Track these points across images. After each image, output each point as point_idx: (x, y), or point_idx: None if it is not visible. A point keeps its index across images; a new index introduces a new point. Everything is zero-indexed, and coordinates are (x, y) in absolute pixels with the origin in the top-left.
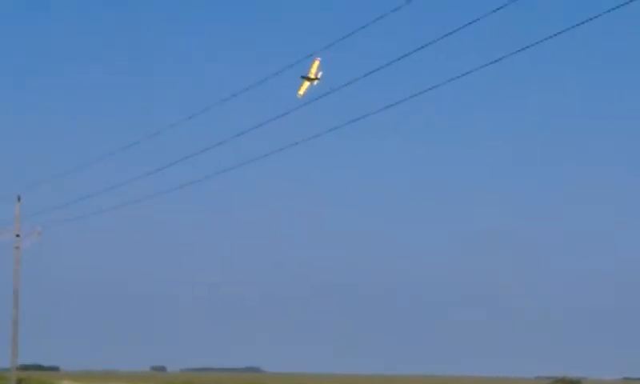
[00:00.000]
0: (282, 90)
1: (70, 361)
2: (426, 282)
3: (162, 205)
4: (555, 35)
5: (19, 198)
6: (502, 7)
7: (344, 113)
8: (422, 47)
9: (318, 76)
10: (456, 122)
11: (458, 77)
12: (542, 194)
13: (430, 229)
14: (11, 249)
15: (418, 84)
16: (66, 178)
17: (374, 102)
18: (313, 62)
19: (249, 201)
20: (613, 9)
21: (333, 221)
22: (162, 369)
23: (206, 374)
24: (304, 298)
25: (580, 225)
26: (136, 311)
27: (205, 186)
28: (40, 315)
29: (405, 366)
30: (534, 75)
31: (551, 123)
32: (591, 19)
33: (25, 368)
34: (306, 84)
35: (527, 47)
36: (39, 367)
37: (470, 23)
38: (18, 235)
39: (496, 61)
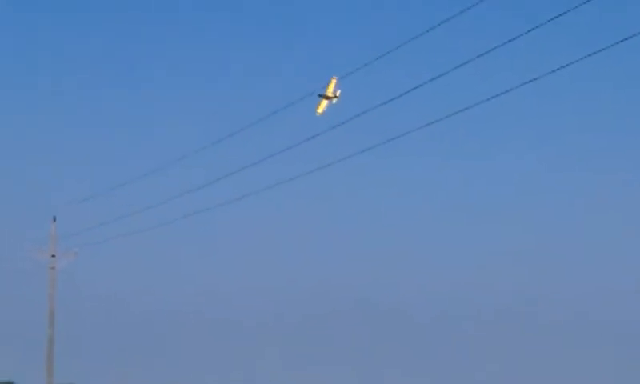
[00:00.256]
0: (312, 111)
1: (104, 380)
2: (460, 301)
3: (197, 225)
4: (590, 55)
5: (55, 219)
6: (535, 27)
7: (377, 133)
8: (457, 67)
9: (337, 94)
10: (489, 141)
11: (493, 97)
12: (578, 213)
13: (463, 247)
14: (47, 269)
15: (451, 104)
16: (102, 198)
17: (408, 122)
18: (330, 80)
19: (283, 221)
20: None
21: (365, 240)
22: None
23: None
24: (341, 320)
25: (615, 245)
26: (171, 332)
27: (239, 207)
28: (75, 335)
29: None
30: (569, 94)
31: (586, 143)
32: (626, 39)
33: None
34: (324, 102)
35: (562, 67)
36: None
37: (504, 43)
38: (53, 256)
39: (530, 81)
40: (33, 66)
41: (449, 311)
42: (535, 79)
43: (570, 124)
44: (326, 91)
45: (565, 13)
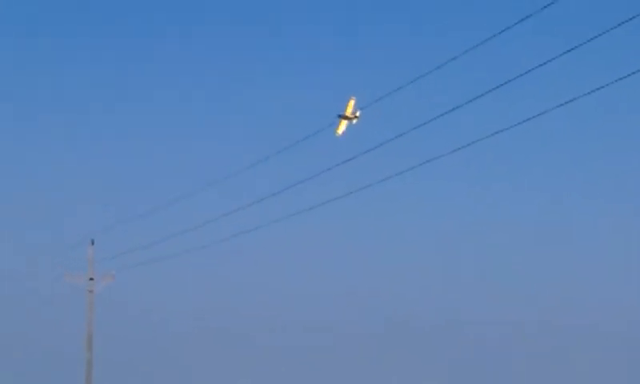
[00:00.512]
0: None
1: None
2: (492, 323)
3: (234, 248)
4: (621, 79)
5: (93, 242)
6: (567, 52)
7: (410, 157)
8: (489, 91)
9: (357, 114)
10: (518, 164)
11: (524, 121)
12: (611, 237)
13: (494, 270)
14: (85, 293)
15: (481, 128)
16: (139, 221)
17: (437, 147)
18: (348, 100)
19: (315, 244)
20: None
21: (393, 261)
22: None
23: None
24: (371, 339)
25: None
26: (209, 354)
27: (277, 229)
28: (113, 358)
29: None
30: (600, 118)
31: (618, 166)
32: None
33: None
34: (344, 122)
35: (593, 91)
36: None
37: (534, 68)
38: (91, 279)
39: (561, 105)
40: (63, 89)
41: (480, 333)
42: (568, 102)
43: (602, 148)
44: (344, 112)
45: (597, 37)
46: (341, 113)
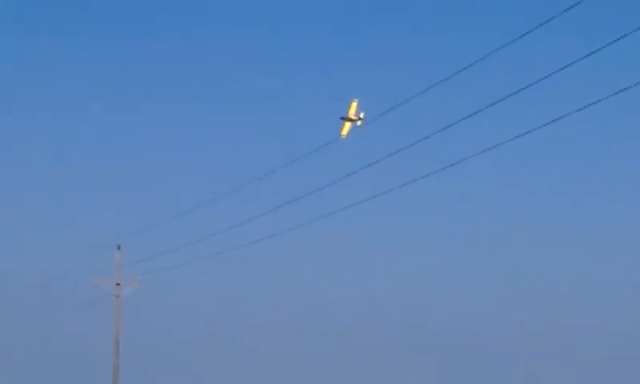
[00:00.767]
0: (370, 138)
1: None
2: (516, 325)
3: (260, 253)
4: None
5: (119, 247)
6: (589, 54)
7: (434, 161)
8: (509, 95)
9: (360, 116)
10: (538, 168)
11: (544, 125)
12: (628, 239)
13: (516, 272)
14: (111, 297)
15: (504, 132)
16: (165, 226)
17: (461, 150)
18: (351, 102)
19: (337, 247)
20: None
21: (416, 265)
22: None
23: None
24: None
25: None
26: (235, 359)
27: (298, 234)
28: (140, 363)
29: None
30: (620, 121)
31: (637, 169)
32: None
33: None
34: (347, 124)
35: (614, 94)
36: None
37: (557, 71)
38: (118, 284)
39: (580, 109)
40: (87, 95)
41: (503, 336)
42: (588, 106)
43: (620, 150)
44: (347, 114)
45: (618, 39)
46: (343, 115)
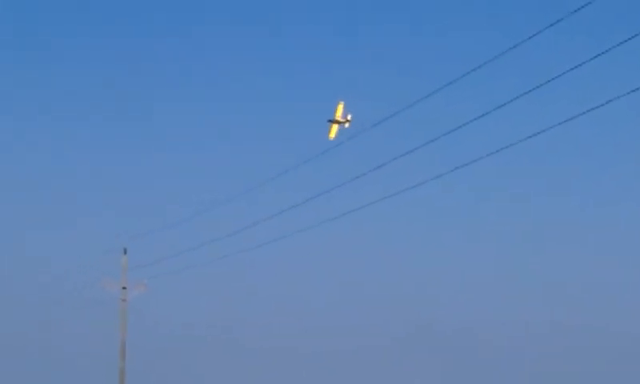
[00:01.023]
0: (385, 141)
1: None
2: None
3: (267, 256)
4: None
5: (125, 251)
6: (599, 55)
7: (444, 162)
8: (518, 97)
9: (348, 118)
10: (551, 169)
11: (554, 125)
12: (635, 240)
13: (528, 275)
14: (118, 301)
15: (511, 133)
16: (171, 230)
17: (468, 152)
18: (337, 105)
19: (352, 247)
20: None
21: (425, 267)
22: None
23: None
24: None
25: None
26: (242, 363)
27: (311, 235)
28: (146, 367)
29: None
30: (631, 121)
31: None
32: None
33: None
34: (335, 127)
35: (625, 94)
36: None
37: (568, 71)
38: (124, 287)
39: (593, 109)
40: (87, 95)
41: (508, 336)
42: (598, 107)
43: (630, 151)
44: (334, 116)
45: (629, 39)
46: (330, 117)
